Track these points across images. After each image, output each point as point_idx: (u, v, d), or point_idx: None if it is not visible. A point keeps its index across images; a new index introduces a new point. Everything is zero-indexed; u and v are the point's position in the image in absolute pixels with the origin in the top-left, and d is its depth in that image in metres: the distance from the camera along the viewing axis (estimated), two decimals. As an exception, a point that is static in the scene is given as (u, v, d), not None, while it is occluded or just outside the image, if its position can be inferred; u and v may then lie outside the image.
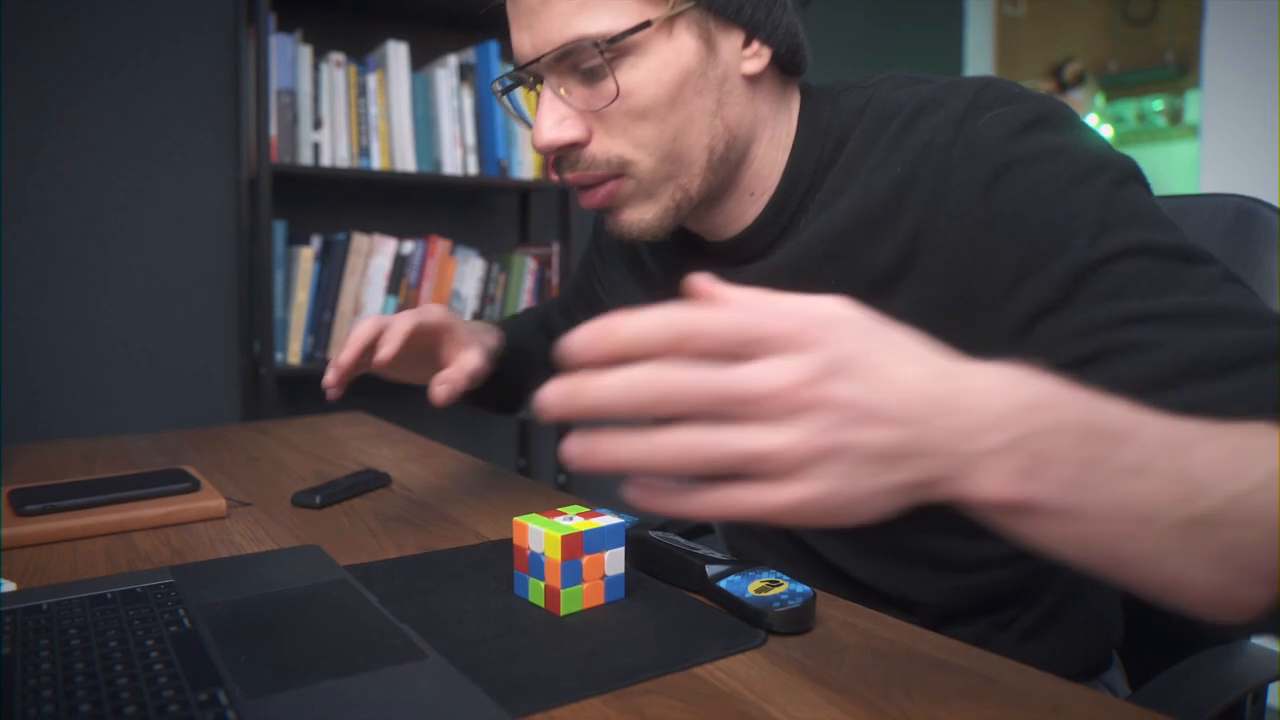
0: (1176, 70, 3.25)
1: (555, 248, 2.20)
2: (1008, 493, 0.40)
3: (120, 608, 0.61)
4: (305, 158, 1.87)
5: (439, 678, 0.51)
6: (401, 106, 1.96)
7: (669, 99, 0.63)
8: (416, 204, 2.18)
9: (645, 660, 0.54)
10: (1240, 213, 0.82)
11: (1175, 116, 3.26)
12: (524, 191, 2.31)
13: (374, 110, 1.93)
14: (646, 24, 0.62)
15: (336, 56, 1.89)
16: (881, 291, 0.65)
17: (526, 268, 2.17)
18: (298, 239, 1.91)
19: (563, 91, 0.65)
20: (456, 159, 2.02)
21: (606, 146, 0.65)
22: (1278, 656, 0.75)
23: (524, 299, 2.17)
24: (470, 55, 2.06)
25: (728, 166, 0.68)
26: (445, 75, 2.00)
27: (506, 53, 2.19)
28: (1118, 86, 3.42)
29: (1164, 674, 0.74)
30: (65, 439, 1.33)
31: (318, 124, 1.88)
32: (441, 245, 2.03)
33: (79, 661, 0.53)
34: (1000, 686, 0.51)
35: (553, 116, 0.65)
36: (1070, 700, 0.50)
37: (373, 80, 1.92)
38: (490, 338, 0.89)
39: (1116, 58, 3.42)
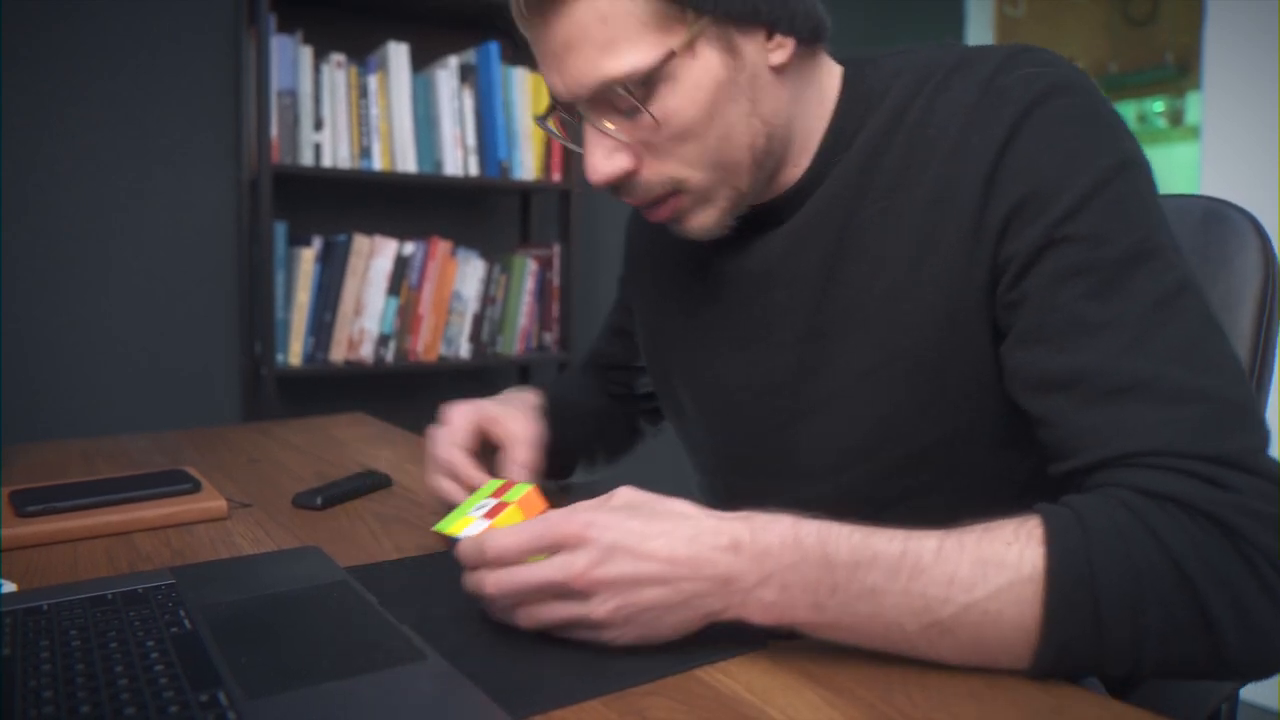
0: (1177, 71, 3.26)
1: (556, 249, 2.20)
2: (772, 618, 0.53)
3: (121, 608, 0.61)
4: (306, 158, 1.87)
5: (439, 679, 0.51)
6: (402, 107, 1.96)
7: (706, 116, 0.64)
8: (417, 205, 2.18)
9: (646, 662, 0.54)
10: (1208, 214, 0.82)
11: (1176, 118, 3.26)
12: (525, 192, 2.31)
13: (375, 111, 1.93)
14: (670, 55, 0.62)
15: (337, 57, 1.89)
16: (905, 252, 0.66)
17: (527, 269, 2.17)
18: (298, 240, 1.91)
19: (607, 124, 0.66)
20: (457, 160, 2.02)
21: (657, 170, 0.67)
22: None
23: (525, 300, 2.17)
24: (471, 56, 2.06)
25: (773, 157, 0.70)
26: (446, 76, 2.00)
27: (507, 54, 2.19)
28: (1118, 87, 3.42)
29: (1142, 685, 0.74)
30: (65, 439, 1.33)
31: (319, 125, 1.88)
32: (442, 246, 2.03)
33: (79, 662, 0.53)
34: (1001, 689, 0.51)
35: (600, 152, 0.66)
36: (1070, 702, 0.50)
37: (374, 81, 1.92)
38: (531, 398, 0.91)
39: (1117, 58, 3.42)
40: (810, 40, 0.69)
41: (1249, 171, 2.03)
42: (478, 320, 2.11)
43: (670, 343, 0.84)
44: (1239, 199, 0.84)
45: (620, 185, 0.68)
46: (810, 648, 0.57)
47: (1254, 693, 2.01)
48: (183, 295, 1.94)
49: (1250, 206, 0.83)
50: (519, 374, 2.33)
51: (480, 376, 2.31)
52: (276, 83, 1.82)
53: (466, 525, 0.68)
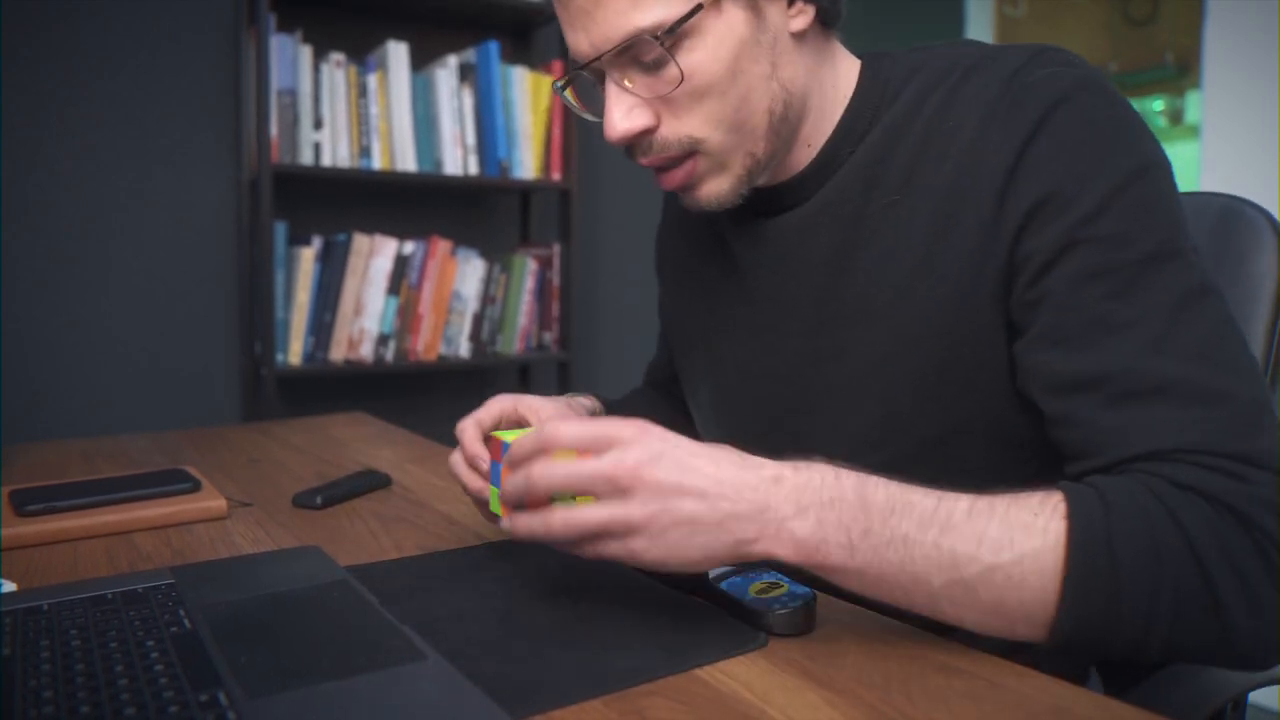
0: (1177, 71, 3.25)
1: (556, 248, 2.20)
2: (803, 556, 0.53)
3: (121, 608, 0.61)
4: (306, 158, 1.86)
5: (439, 679, 0.51)
6: (402, 107, 1.96)
7: (728, 73, 0.65)
8: (417, 204, 2.18)
9: (646, 662, 0.54)
10: (1226, 212, 0.82)
11: (1176, 117, 3.25)
12: (525, 192, 2.31)
13: (374, 110, 1.93)
14: (698, 8, 0.63)
15: (337, 57, 1.89)
16: (918, 244, 0.66)
17: (527, 268, 2.17)
18: (298, 239, 1.91)
19: (626, 83, 0.66)
20: (457, 159, 2.02)
21: (675, 128, 0.67)
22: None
23: (525, 299, 2.16)
24: (470, 55, 2.06)
25: (789, 126, 0.70)
26: (446, 75, 2.00)
27: (507, 53, 2.19)
28: (1118, 87, 3.42)
29: (1144, 684, 0.73)
30: (65, 439, 1.33)
31: (318, 124, 1.88)
32: (442, 246, 2.03)
33: (79, 662, 0.53)
34: (1001, 689, 0.51)
35: (621, 108, 0.67)
36: (1070, 702, 0.50)
37: (373, 80, 1.92)
38: (587, 401, 0.89)
39: (1117, 58, 3.42)
40: (829, 12, 0.70)
41: (1249, 171, 2.03)
42: (478, 320, 2.11)
43: (693, 332, 0.85)
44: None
45: (638, 144, 0.69)
46: (811, 647, 0.57)
47: (1259, 694, 2.01)
48: (183, 295, 1.94)
49: (1250, 205, 0.83)
50: (519, 374, 2.33)
51: (480, 376, 2.31)
52: (276, 82, 1.82)
53: None
